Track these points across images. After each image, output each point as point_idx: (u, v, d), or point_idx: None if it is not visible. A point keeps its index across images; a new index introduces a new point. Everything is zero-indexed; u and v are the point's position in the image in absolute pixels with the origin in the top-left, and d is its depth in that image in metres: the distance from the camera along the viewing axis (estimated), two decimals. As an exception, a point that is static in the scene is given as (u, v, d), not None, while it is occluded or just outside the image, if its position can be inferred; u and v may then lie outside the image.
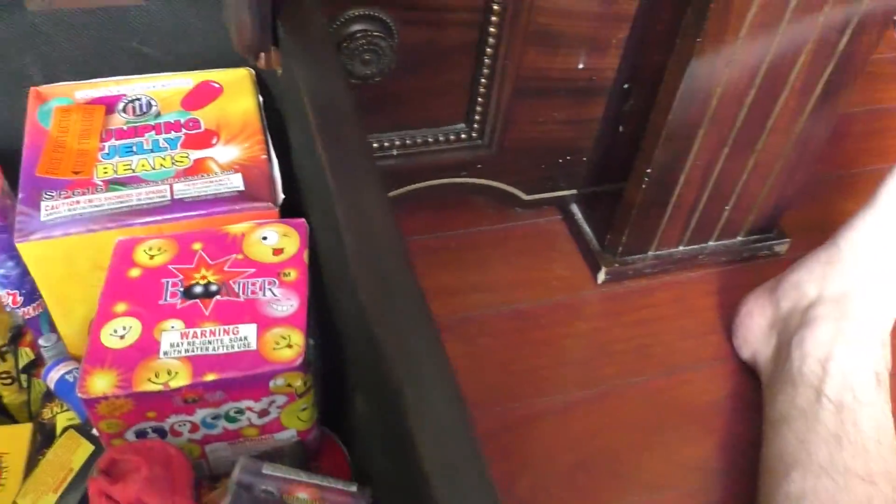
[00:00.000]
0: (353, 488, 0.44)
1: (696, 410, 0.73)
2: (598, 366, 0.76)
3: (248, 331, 0.43)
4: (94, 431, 0.50)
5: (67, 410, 0.53)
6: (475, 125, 0.76)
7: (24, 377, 0.55)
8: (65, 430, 0.52)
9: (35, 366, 0.55)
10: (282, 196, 0.51)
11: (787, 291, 0.73)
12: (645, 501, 0.67)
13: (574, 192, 0.86)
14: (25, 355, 0.55)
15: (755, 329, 0.75)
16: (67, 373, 0.52)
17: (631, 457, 0.70)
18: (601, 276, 0.82)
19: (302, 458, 0.47)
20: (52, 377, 0.52)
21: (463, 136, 0.77)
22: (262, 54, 0.52)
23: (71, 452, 0.50)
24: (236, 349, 0.42)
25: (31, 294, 0.55)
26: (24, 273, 0.51)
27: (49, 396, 0.54)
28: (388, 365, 0.35)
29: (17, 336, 0.55)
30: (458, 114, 0.75)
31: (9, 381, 0.54)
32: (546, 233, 0.87)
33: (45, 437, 0.52)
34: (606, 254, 0.82)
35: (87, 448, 0.50)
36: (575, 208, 0.87)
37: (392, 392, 0.34)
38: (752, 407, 0.73)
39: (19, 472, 0.50)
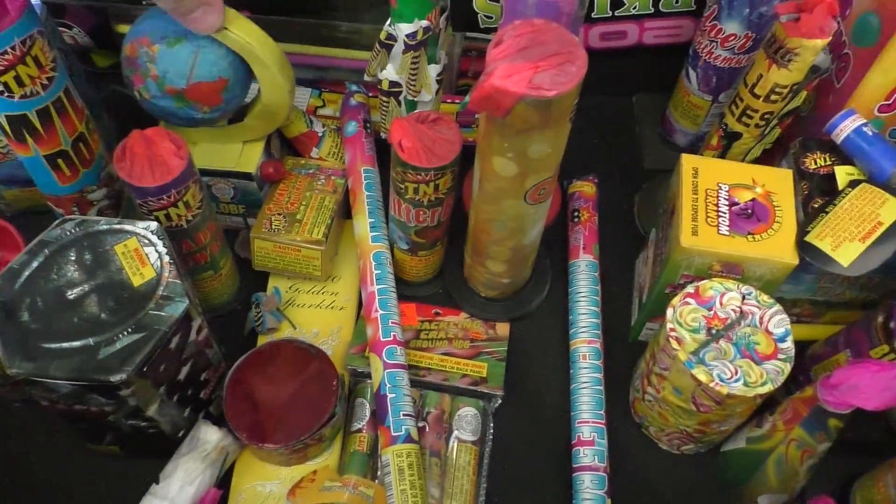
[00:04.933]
0: None
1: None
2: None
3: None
4: None
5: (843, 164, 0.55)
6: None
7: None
8: (854, 182, 0.53)
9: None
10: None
11: None
12: None
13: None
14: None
15: None
16: (863, 125, 0.53)
17: None
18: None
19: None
20: (841, 131, 0.53)
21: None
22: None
23: (874, 206, 0.52)
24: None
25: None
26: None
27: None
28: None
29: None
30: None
31: None
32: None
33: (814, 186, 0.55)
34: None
35: (893, 204, 0.52)
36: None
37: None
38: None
39: (792, 212, 0.54)
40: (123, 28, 0.71)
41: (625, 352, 0.65)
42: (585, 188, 0.70)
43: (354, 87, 0.69)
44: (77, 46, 0.72)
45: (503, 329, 0.65)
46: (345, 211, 0.67)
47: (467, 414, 0.60)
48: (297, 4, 0.71)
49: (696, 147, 0.72)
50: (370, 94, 0.71)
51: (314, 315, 0.64)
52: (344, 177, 0.67)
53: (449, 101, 0.73)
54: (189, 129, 0.62)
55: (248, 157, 0.64)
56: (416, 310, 0.65)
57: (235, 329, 0.65)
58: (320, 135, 0.68)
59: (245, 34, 0.55)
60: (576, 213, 0.69)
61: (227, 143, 0.64)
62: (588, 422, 0.59)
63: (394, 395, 0.57)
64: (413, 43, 0.54)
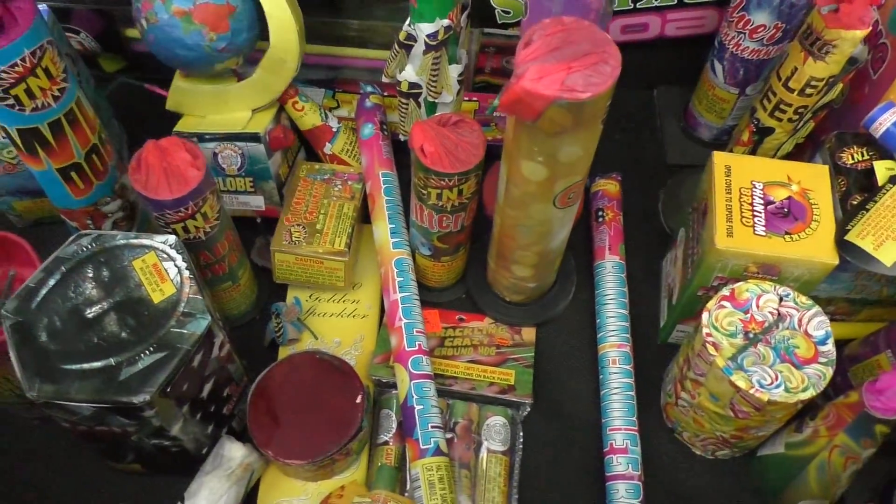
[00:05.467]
0: None
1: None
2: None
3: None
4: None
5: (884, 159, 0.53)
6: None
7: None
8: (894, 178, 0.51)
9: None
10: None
11: None
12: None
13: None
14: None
15: None
16: None
17: None
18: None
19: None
20: (880, 125, 0.51)
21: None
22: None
23: None
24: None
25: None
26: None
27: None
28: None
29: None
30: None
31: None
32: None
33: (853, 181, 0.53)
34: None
35: None
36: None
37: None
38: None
39: (830, 210, 0.52)
40: (131, 32, 0.69)
41: (653, 354, 0.64)
42: (609, 187, 0.69)
43: (369, 88, 0.67)
44: (84, 51, 0.70)
45: (529, 334, 0.63)
46: (363, 215, 0.65)
47: (496, 423, 0.59)
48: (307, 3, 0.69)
49: (721, 140, 0.71)
50: (385, 94, 0.69)
51: (336, 324, 0.63)
52: (360, 181, 0.65)
53: (467, 98, 0.71)
54: (198, 101, 0.61)
55: (257, 121, 0.62)
56: (439, 316, 0.64)
57: (255, 340, 0.63)
58: (335, 130, 0.66)
59: None
60: (600, 213, 0.67)
61: (236, 110, 0.62)
62: (620, 429, 0.58)
63: (421, 406, 0.55)
64: (434, 43, 0.52)
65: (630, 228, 0.68)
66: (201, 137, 0.61)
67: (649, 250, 0.68)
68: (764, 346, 0.51)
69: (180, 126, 0.62)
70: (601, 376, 0.61)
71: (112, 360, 0.47)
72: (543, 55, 0.42)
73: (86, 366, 0.46)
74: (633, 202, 0.70)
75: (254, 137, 0.61)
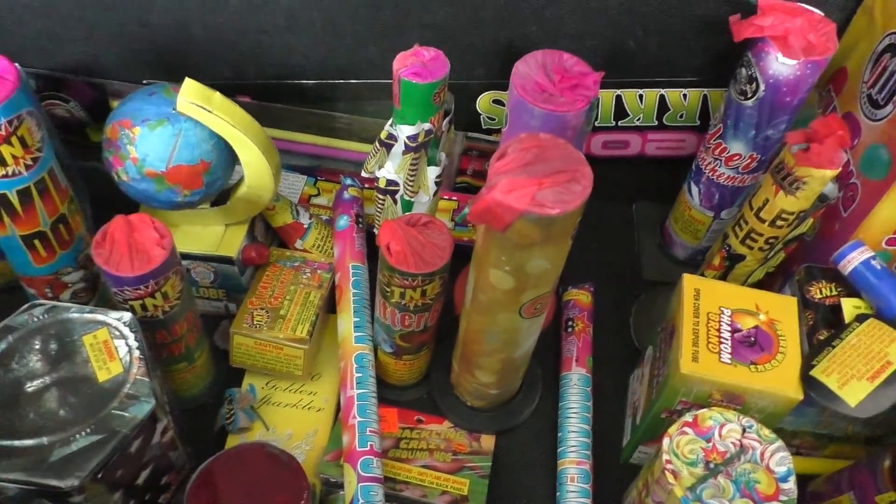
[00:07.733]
0: None
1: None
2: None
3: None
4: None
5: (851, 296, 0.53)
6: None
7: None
8: (862, 317, 0.51)
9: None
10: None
11: None
12: None
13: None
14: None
15: None
16: (872, 258, 0.51)
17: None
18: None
19: None
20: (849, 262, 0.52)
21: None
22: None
23: (883, 344, 0.50)
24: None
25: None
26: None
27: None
28: None
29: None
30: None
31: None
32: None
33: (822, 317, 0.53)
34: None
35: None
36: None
37: None
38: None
39: (796, 343, 0.52)
40: (121, 105, 0.70)
41: (615, 473, 0.62)
42: (581, 297, 0.68)
43: (349, 181, 0.68)
44: (72, 119, 0.71)
45: (488, 442, 0.61)
46: (330, 306, 0.64)
47: (445, 535, 0.56)
48: (300, 94, 0.70)
49: (696, 260, 0.71)
50: (365, 186, 0.69)
51: (289, 415, 0.61)
52: (330, 271, 0.64)
53: (447, 197, 0.72)
54: (171, 213, 0.60)
55: (230, 240, 0.61)
56: (397, 415, 0.62)
57: (205, 425, 0.61)
58: (306, 226, 0.66)
59: (229, 116, 0.54)
60: (570, 323, 0.67)
61: (209, 225, 0.62)
62: (574, 552, 0.55)
63: (367, 511, 0.53)
64: (414, 145, 0.53)
65: (600, 341, 0.67)
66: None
67: (618, 365, 0.67)
68: (724, 478, 0.49)
69: None
70: (559, 493, 0.59)
71: (45, 440, 0.45)
72: (516, 168, 0.43)
73: (16, 443, 0.44)
74: (606, 314, 0.70)
75: (227, 260, 0.61)
